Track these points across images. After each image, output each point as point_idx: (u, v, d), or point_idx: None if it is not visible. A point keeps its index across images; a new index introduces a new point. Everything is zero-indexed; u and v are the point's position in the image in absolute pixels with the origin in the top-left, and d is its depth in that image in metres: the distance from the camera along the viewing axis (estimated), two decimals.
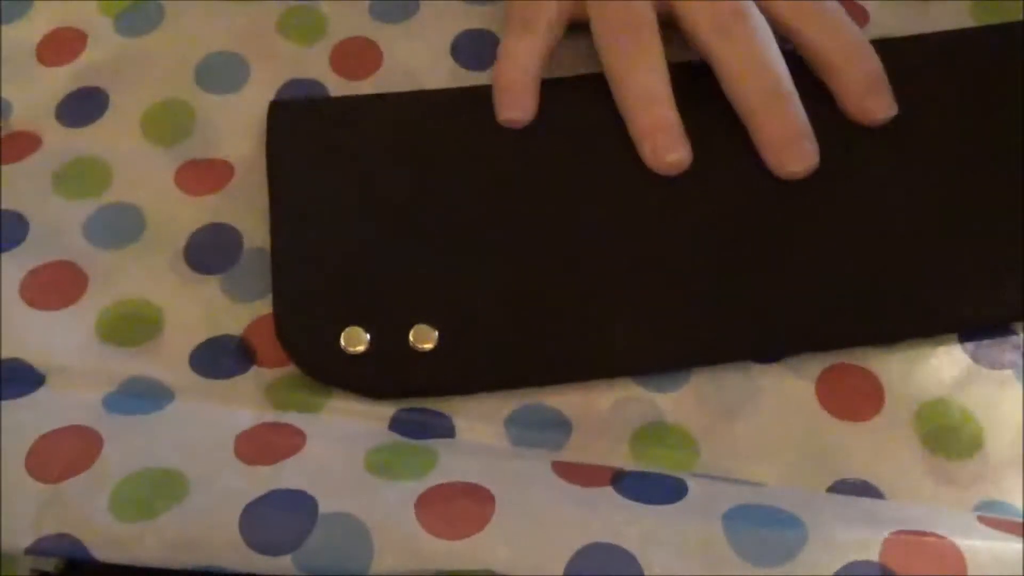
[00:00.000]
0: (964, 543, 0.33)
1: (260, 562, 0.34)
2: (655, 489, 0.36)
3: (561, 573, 0.33)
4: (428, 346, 0.41)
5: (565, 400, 0.41)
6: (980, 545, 0.33)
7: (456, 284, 0.42)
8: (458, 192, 0.45)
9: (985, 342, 0.41)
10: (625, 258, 0.43)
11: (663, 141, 0.45)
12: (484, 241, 0.43)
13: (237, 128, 0.48)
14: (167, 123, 0.48)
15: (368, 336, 0.41)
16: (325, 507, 0.35)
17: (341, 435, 0.39)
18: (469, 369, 0.41)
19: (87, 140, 0.47)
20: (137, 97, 0.49)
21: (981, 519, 0.36)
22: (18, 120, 0.48)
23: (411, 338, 0.41)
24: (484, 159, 0.46)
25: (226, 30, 0.51)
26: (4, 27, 0.51)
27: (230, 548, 0.34)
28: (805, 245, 0.43)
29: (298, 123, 0.47)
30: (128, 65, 0.50)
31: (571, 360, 0.41)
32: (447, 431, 0.40)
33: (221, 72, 0.50)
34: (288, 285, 0.42)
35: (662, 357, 0.41)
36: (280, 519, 0.35)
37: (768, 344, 0.41)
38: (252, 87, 0.49)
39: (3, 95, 0.49)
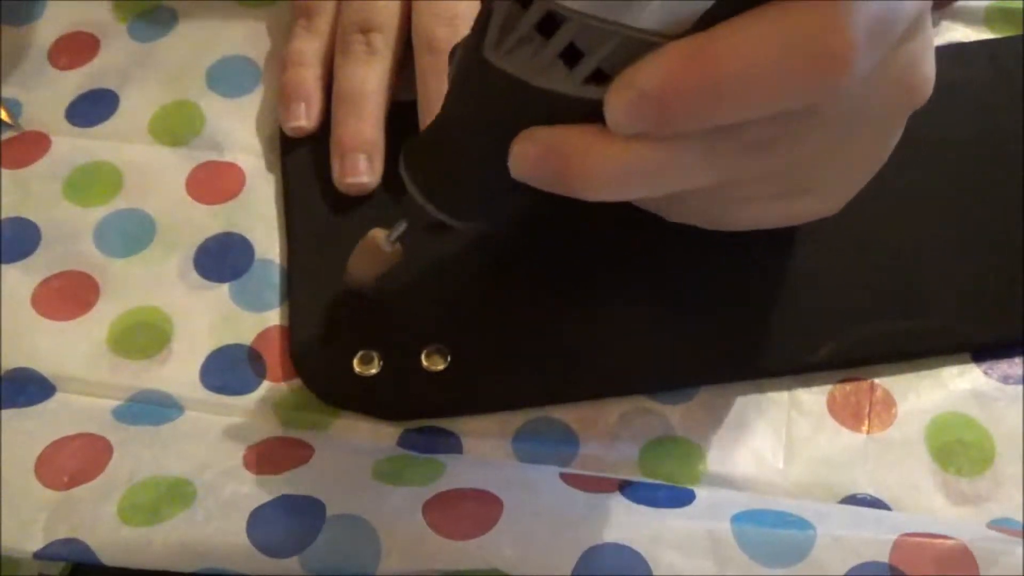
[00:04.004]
0: (975, 544, 0.33)
1: (267, 564, 0.34)
2: (663, 495, 0.36)
3: (569, 573, 0.33)
4: (439, 367, 0.41)
5: (572, 414, 0.41)
6: (991, 547, 0.33)
7: (467, 306, 0.42)
8: None
9: (997, 357, 0.41)
10: (632, 280, 0.43)
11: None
12: (495, 263, 0.44)
13: (248, 131, 0.48)
14: (177, 124, 0.48)
15: (380, 359, 0.41)
16: (332, 510, 0.35)
17: (349, 449, 0.39)
18: (480, 389, 0.41)
19: (97, 141, 0.48)
20: (147, 98, 0.49)
21: (991, 527, 0.36)
22: (27, 120, 0.49)
23: (423, 360, 0.41)
24: None
25: (238, 34, 0.51)
26: (18, 29, 0.52)
27: (237, 551, 0.34)
28: (814, 265, 0.43)
29: (314, 143, 0.47)
30: (139, 67, 0.50)
31: (580, 379, 0.41)
32: (454, 448, 0.40)
33: (232, 75, 0.50)
34: (303, 309, 0.43)
35: (669, 377, 0.41)
36: (287, 522, 0.35)
37: (777, 364, 0.41)
38: (263, 91, 0.50)
39: (14, 96, 0.50)
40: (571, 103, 0.30)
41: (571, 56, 0.30)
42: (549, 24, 0.29)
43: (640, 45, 0.29)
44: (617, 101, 0.29)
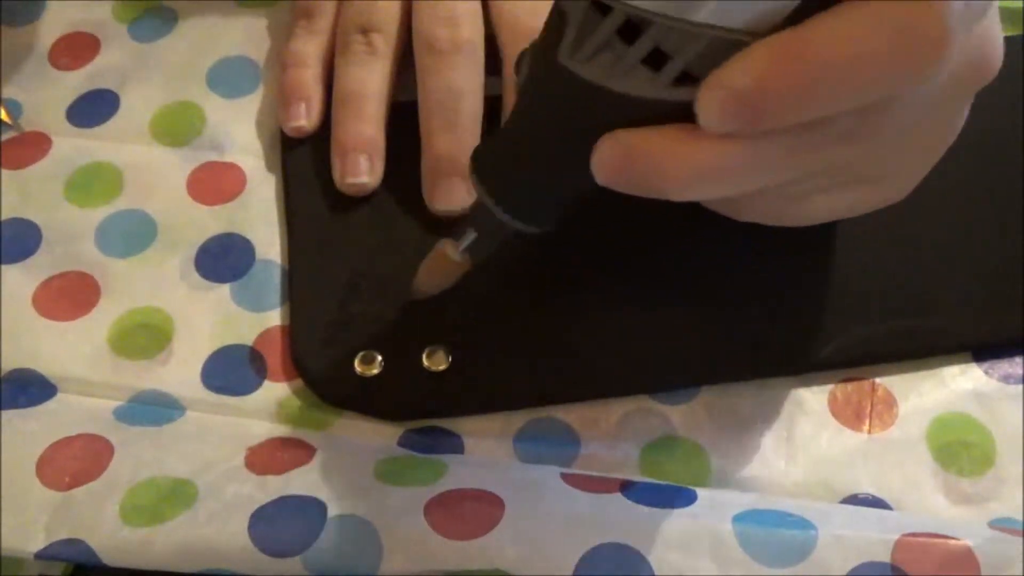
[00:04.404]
0: (976, 544, 0.33)
1: (269, 565, 0.34)
2: (664, 495, 0.36)
3: (571, 573, 0.33)
4: (441, 368, 0.41)
5: (574, 414, 0.41)
6: (992, 548, 0.33)
7: (468, 306, 0.42)
8: None
9: (998, 356, 0.41)
10: (633, 280, 0.43)
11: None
12: (496, 263, 0.43)
13: (249, 132, 0.48)
14: (177, 124, 0.48)
15: (382, 359, 0.41)
16: (334, 510, 0.35)
17: (350, 449, 0.39)
18: (481, 390, 0.41)
19: (97, 142, 0.48)
20: (148, 98, 0.49)
21: (992, 526, 0.36)
22: (28, 121, 0.49)
23: (424, 360, 0.41)
24: None
25: (239, 34, 0.51)
26: (18, 29, 0.52)
27: (239, 552, 0.34)
28: (814, 265, 0.43)
29: (315, 143, 0.47)
30: (140, 67, 0.50)
31: (582, 379, 0.41)
32: (456, 448, 0.40)
33: (233, 75, 0.50)
34: (305, 310, 0.43)
35: (670, 377, 0.41)
36: (289, 522, 0.35)
37: (779, 364, 0.41)
38: (264, 91, 0.50)
39: (15, 97, 0.50)
40: (654, 106, 0.30)
41: (655, 59, 0.29)
42: (630, 29, 0.29)
43: (728, 45, 0.28)
44: (710, 102, 0.29)
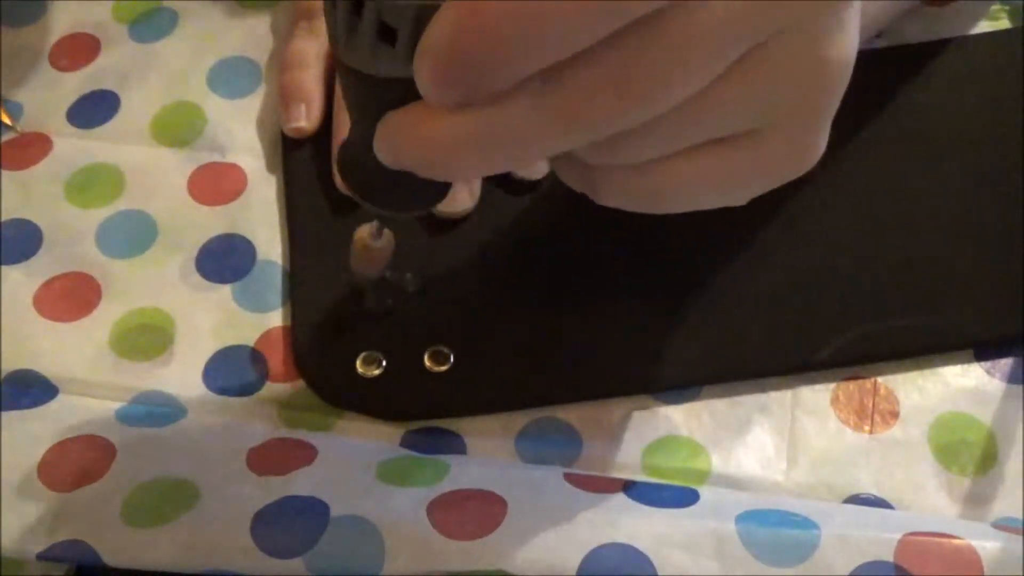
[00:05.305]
0: (979, 543, 0.33)
1: (271, 565, 0.34)
2: (667, 495, 0.36)
3: (574, 573, 0.33)
4: (442, 368, 0.41)
5: (575, 413, 0.41)
6: (994, 546, 0.33)
7: (470, 307, 0.42)
8: (472, 214, 0.45)
9: (1000, 356, 0.41)
10: (634, 280, 0.43)
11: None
12: (497, 264, 0.43)
13: (250, 132, 0.48)
14: (178, 125, 0.49)
15: (384, 360, 0.41)
16: (336, 511, 0.35)
17: (352, 450, 0.39)
18: (483, 390, 0.41)
19: (98, 143, 0.48)
20: (148, 99, 0.49)
21: (994, 526, 0.36)
22: (28, 122, 0.49)
23: (426, 361, 0.41)
24: (500, 183, 0.46)
25: (239, 35, 0.51)
26: (18, 30, 0.52)
27: (241, 552, 0.34)
28: (815, 264, 0.43)
29: (316, 144, 0.47)
30: (140, 68, 0.50)
31: (583, 379, 0.41)
32: (458, 449, 0.40)
33: (233, 76, 0.50)
34: (306, 310, 0.43)
35: (672, 376, 0.41)
36: (291, 523, 0.35)
37: (780, 363, 0.41)
38: (264, 92, 0.50)
39: (15, 98, 0.50)
40: (412, 84, 0.28)
41: (391, 36, 0.28)
42: (360, 9, 0.28)
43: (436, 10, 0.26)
44: (419, 74, 0.26)
